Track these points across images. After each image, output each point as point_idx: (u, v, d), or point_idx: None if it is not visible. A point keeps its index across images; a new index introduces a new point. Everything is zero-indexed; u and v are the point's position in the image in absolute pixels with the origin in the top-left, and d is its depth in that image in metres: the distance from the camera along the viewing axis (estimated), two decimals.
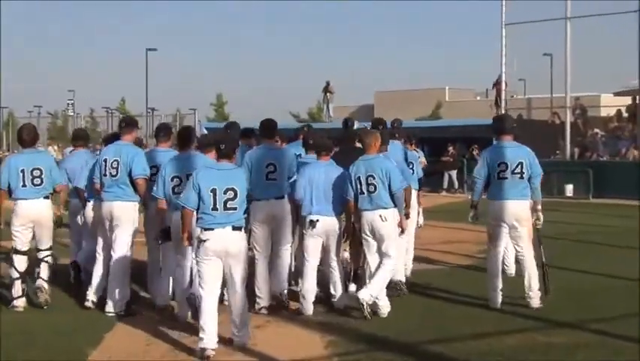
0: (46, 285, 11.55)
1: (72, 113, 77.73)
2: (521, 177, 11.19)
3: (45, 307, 11.49)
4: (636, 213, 22.82)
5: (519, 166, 11.18)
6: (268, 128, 12.01)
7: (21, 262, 11.52)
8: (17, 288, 11.49)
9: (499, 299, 11.31)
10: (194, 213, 9.38)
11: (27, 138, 11.72)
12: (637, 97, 35.78)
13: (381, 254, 11.01)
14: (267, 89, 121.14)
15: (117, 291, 11.17)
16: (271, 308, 11.34)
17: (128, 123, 11.99)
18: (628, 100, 37.41)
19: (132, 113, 72.59)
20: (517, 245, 11.44)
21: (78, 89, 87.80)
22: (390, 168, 11.04)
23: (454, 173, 36.96)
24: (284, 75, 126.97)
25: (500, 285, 11.35)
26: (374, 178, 10.91)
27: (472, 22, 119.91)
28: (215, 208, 9.20)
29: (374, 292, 10.77)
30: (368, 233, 11.08)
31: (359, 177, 10.98)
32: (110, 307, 11.19)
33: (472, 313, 11.18)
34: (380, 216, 10.96)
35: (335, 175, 11.39)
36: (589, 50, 35.85)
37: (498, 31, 36.21)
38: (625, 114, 37.06)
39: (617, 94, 42.86)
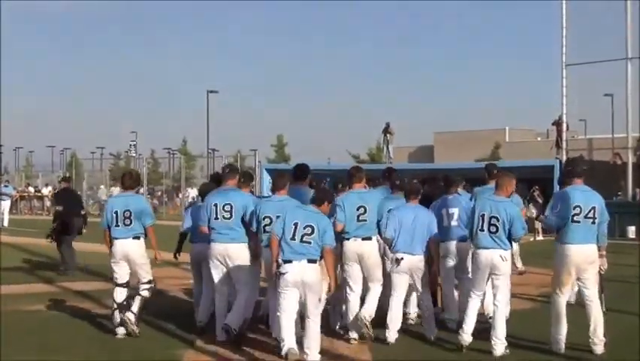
0: (132, 317, 12.40)
1: (134, 155, 78.72)
2: (593, 222, 11.22)
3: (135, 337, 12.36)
4: None
5: (592, 211, 11.22)
6: (356, 175, 12.64)
7: (120, 294, 12.62)
8: (116, 318, 12.54)
9: (563, 344, 11.25)
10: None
11: (128, 181, 13.00)
12: None
13: (495, 291, 11.46)
14: (327, 130, 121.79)
15: (235, 321, 11.91)
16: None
17: (232, 170, 12.94)
18: None
19: (193, 154, 73.56)
20: (585, 289, 11.34)
21: (140, 130, 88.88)
22: (515, 215, 11.41)
23: None
24: (344, 116, 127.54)
25: (565, 330, 11.29)
26: (497, 220, 11.31)
27: (533, 63, 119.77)
28: (292, 238, 10.54)
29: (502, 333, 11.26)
30: (482, 271, 11.46)
31: (483, 215, 11.42)
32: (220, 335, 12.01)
33: (537, 359, 11.13)
34: (501, 256, 11.32)
35: (422, 217, 12.25)
36: None
37: (559, 71, 36.10)
38: None
39: None
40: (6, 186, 47.58)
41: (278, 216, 11.24)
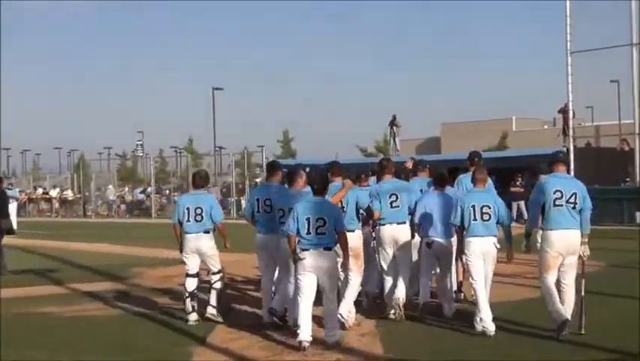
0: (213, 310, 13.30)
1: (141, 154, 78.84)
2: (574, 207, 11.43)
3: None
4: None
5: (573, 196, 11.45)
6: (387, 166, 13.82)
7: (191, 284, 13.48)
8: (188, 305, 13.37)
9: (564, 313, 11.35)
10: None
11: (199, 181, 13.96)
12: None
13: (487, 276, 12.07)
14: (334, 124, 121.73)
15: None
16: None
17: (275, 167, 13.79)
18: None
19: (200, 152, 73.50)
20: (564, 272, 11.59)
21: (146, 129, 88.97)
22: (500, 203, 12.15)
23: (522, 203, 36.50)
24: (350, 109, 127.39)
25: (559, 302, 11.42)
26: (489, 208, 11.94)
27: (538, 51, 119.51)
28: (308, 232, 11.27)
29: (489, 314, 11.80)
30: (478, 258, 11.95)
31: (473, 206, 11.95)
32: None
33: (543, 345, 11.07)
34: (493, 243, 11.96)
35: (447, 204, 12.89)
36: None
37: (564, 59, 35.94)
38: None
39: None
40: (9, 188, 47.50)
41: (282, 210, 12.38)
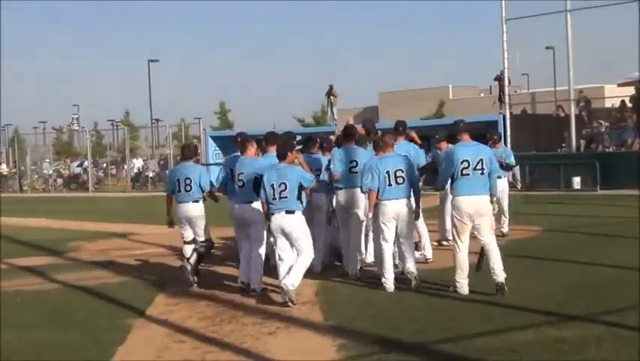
0: (189, 267, 13.83)
1: (77, 128, 77.90)
2: (482, 173, 11.93)
3: None
4: None
5: (480, 162, 11.93)
6: (350, 134, 14.56)
7: (188, 250, 14.08)
8: (187, 270, 13.85)
9: (467, 287, 11.98)
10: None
11: (187, 153, 14.79)
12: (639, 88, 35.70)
13: (404, 237, 12.72)
14: (270, 95, 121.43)
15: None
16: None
17: (243, 139, 13.99)
18: (632, 90, 37.11)
19: (137, 125, 72.90)
20: (482, 236, 12.03)
21: (82, 103, 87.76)
22: (410, 165, 12.83)
23: None
24: (287, 80, 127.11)
25: (467, 273, 12.00)
26: (403, 172, 12.53)
27: (474, 19, 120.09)
28: (274, 198, 12.07)
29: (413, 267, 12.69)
30: (392, 220, 12.55)
31: (388, 171, 12.52)
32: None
33: (481, 309, 11.12)
34: (407, 205, 12.58)
35: None
36: (591, 42, 35.65)
37: (499, 26, 36.15)
38: (629, 105, 36.83)
39: (620, 85, 42.58)
40: None
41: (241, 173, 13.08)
